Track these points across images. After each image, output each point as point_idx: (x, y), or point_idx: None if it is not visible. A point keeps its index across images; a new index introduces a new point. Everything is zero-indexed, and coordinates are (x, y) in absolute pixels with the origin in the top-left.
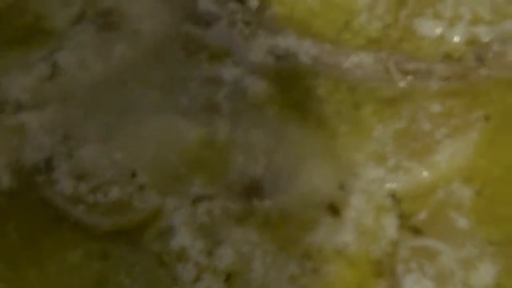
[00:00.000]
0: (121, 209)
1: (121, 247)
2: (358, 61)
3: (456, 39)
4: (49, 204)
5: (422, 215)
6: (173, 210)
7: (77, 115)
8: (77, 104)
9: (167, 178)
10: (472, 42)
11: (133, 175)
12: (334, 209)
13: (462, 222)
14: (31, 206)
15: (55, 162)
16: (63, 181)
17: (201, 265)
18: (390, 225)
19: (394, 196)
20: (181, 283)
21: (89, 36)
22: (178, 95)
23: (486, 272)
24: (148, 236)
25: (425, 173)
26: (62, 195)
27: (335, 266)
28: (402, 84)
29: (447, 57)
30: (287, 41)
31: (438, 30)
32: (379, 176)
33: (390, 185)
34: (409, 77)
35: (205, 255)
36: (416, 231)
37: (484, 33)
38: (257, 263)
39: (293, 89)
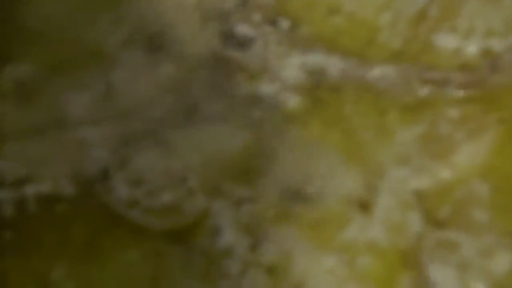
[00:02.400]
0: (173, 212)
1: (173, 246)
2: (382, 72)
3: (471, 50)
4: (108, 209)
5: (444, 210)
6: (219, 212)
7: (131, 128)
8: (130, 119)
9: (214, 182)
10: (486, 52)
11: (183, 180)
12: (364, 207)
13: (480, 216)
14: (91, 211)
15: (112, 171)
16: (119, 188)
17: (246, 260)
18: (415, 220)
19: (418, 194)
20: (229, 276)
21: (138, 57)
22: (223, 109)
23: (502, 260)
24: (197, 236)
25: (445, 172)
26: (119, 201)
27: (368, 259)
28: (422, 92)
29: (463, 67)
30: (316, 58)
31: (455, 43)
32: (404, 176)
33: (414, 184)
34: (429, 86)
35: (249, 251)
36: (439, 224)
37: (496, 44)
38: (297, 257)
39: (324, 101)
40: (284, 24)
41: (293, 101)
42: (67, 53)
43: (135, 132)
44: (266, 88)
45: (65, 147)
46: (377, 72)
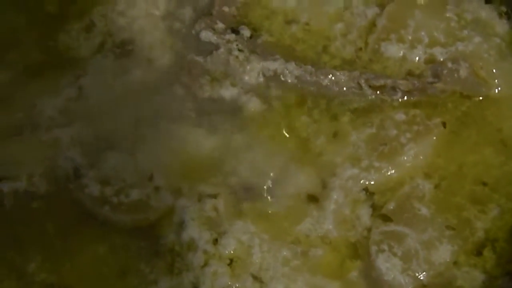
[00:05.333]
0: (140, 208)
1: (140, 241)
2: (335, 79)
3: (416, 59)
4: (80, 206)
5: (391, 206)
6: (183, 208)
7: (101, 129)
8: (101, 120)
9: (179, 181)
10: (429, 61)
11: (150, 178)
12: (317, 202)
13: (424, 211)
14: (64, 207)
15: (84, 170)
16: (91, 185)
17: (208, 252)
18: (364, 215)
19: (367, 190)
20: (192, 268)
21: (109, 63)
22: (188, 111)
23: (444, 251)
24: (163, 230)
25: (392, 171)
26: (91, 198)
27: (320, 250)
28: (371, 97)
29: (409, 74)
30: (275, 64)
31: (401, 52)
32: (355, 175)
33: (364, 182)
34: (378, 91)
35: (211, 244)
36: (386, 219)
37: (439, 54)
38: (255, 249)
39: (281, 105)
40: (246, 32)
41: (252, 104)
42: (41, 58)
43: (106, 133)
44: (228, 91)
45: (40, 147)
46: (330, 78)
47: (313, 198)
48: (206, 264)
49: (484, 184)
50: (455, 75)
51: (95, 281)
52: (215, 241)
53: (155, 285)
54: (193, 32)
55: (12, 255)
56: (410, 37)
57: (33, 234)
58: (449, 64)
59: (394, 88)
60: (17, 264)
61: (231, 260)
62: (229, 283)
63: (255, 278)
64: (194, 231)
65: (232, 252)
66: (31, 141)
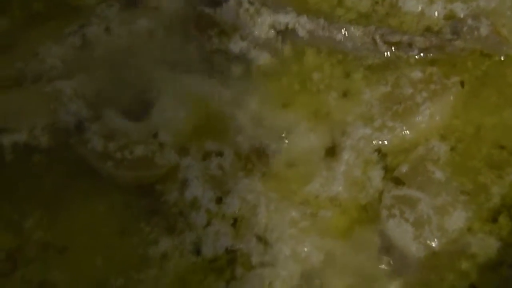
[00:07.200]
0: (144, 165)
1: (142, 199)
2: (348, 34)
3: (435, 14)
4: (81, 161)
5: (404, 168)
6: (188, 166)
7: (106, 81)
8: (105, 71)
9: (184, 137)
10: (449, 17)
11: (155, 135)
12: (327, 163)
13: (438, 174)
14: (66, 162)
15: (87, 124)
16: (94, 140)
17: (211, 212)
18: (376, 177)
19: (379, 151)
20: (194, 228)
21: (114, 12)
22: (196, 64)
23: (458, 217)
24: (165, 189)
25: (407, 132)
26: (93, 153)
27: (330, 212)
28: (387, 53)
29: (427, 31)
30: (286, 18)
31: (420, 7)
32: (367, 134)
33: (376, 142)
34: (393, 48)
35: (215, 203)
36: (398, 182)
37: (459, 9)
38: (261, 209)
39: (292, 60)
40: None
41: (262, 59)
42: (43, 6)
43: (110, 85)
44: (237, 45)
45: (42, 99)
46: (345, 32)
47: (326, 160)
48: (208, 223)
49: (502, 147)
50: (476, 32)
51: (92, 240)
52: (219, 200)
53: (156, 245)
54: None
55: (10, 210)
56: None
57: (32, 189)
58: (470, 21)
59: (410, 45)
60: (14, 219)
61: (235, 220)
62: (232, 243)
63: (260, 239)
64: (198, 190)
65: (236, 211)
66: (32, 92)
